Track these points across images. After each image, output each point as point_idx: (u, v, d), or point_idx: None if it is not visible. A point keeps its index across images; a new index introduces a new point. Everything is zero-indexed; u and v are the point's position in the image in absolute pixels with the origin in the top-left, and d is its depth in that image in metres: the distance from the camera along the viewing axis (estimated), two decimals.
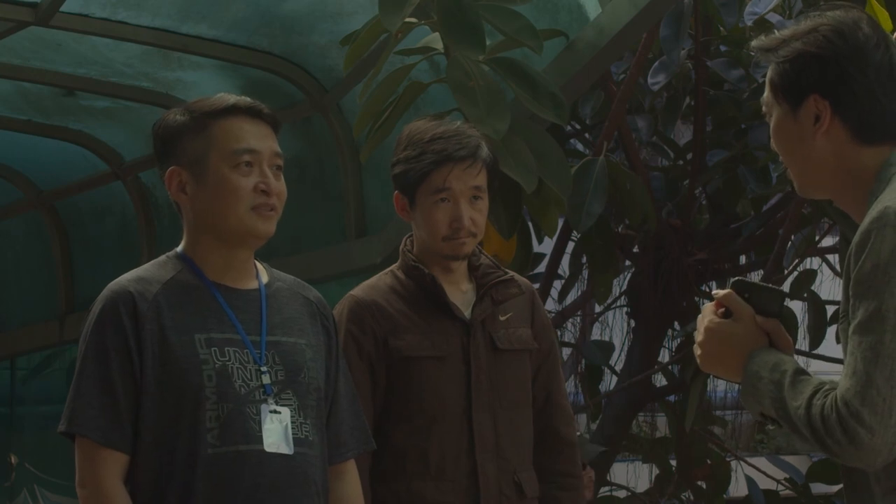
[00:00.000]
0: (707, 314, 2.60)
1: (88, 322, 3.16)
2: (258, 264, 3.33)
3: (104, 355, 3.10)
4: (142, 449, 3.10)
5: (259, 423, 3.14)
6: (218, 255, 3.23)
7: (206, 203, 3.19)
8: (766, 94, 2.63)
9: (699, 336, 2.60)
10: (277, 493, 3.14)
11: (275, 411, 3.16)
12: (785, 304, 2.63)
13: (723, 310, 2.59)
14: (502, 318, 3.83)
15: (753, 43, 2.65)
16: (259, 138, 3.21)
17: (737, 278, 2.64)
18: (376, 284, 3.84)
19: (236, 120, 3.21)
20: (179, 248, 3.27)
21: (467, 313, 3.80)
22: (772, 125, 2.63)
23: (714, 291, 2.67)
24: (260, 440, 3.13)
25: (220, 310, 3.19)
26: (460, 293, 3.83)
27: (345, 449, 3.37)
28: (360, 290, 3.83)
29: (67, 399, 3.12)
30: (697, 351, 2.60)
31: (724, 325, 2.57)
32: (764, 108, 2.65)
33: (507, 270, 3.89)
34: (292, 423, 3.18)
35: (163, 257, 3.27)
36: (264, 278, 3.31)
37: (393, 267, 3.88)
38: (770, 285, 2.60)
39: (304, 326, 3.30)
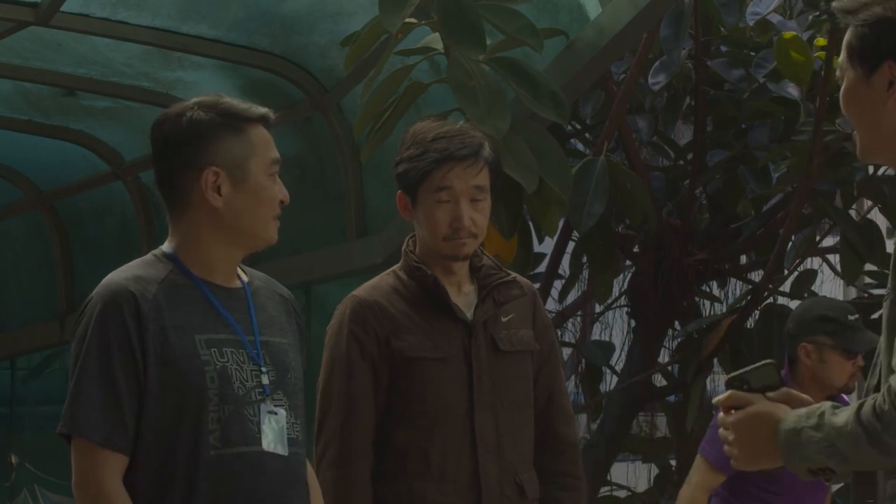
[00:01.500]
0: (724, 420, 2.58)
1: (87, 320, 3.12)
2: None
3: (107, 354, 3.08)
4: (143, 448, 3.09)
5: (257, 425, 3.14)
6: (219, 255, 3.22)
7: (241, 206, 3.18)
8: (842, 56, 2.59)
9: (730, 436, 2.56)
10: (276, 493, 3.16)
11: (272, 412, 3.17)
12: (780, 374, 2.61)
13: (733, 410, 2.58)
14: (504, 320, 3.83)
15: (834, 4, 2.62)
16: (276, 149, 3.26)
17: (728, 377, 2.63)
18: (378, 285, 3.84)
19: (264, 129, 3.24)
20: (167, 248, 3.24)
21: (469, 314, 3.79)
22: (843, 88, 2.59)
23: (715, 400, 2.65)
24: (258, 441, 3.14)
25: (216, 310, 3.18)
26: (462, 294, 3.82)
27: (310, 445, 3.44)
28: (362, 291, 3.83)
29: (68, 399, 3.09)
30: (733, 452, 2.56)
31: (746, 415, 2.54)
32: (837, 72, 2.62)
33: (509, 272, 3.89)
34: (286, 423, 3.20)
35: (149, 256, 3.24)
36: (244, 276, 3.31)
37: (395, 267, 3.87)
38: (757, 364, 2.60)
39: (284, 325, 3.32)
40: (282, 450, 3.17)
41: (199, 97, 3.26)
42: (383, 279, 3.85)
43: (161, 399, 3.09)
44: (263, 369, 3.19)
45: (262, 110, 3.24)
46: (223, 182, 3.18)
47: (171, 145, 3.22)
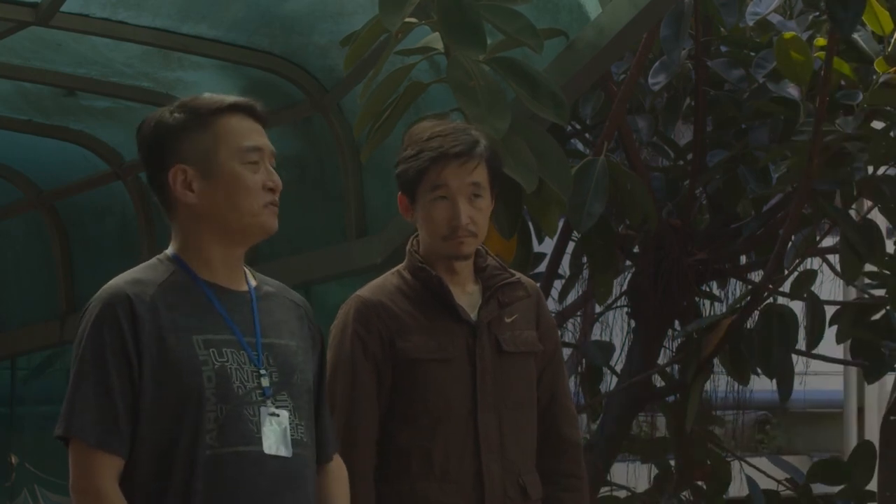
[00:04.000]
0: None
1: (84, 324, 3.15)
2: (245, 269, 3.34)
3: (102, 358, 3.10)
4: (141, 449, 3.10)
5: (257, 425, 3.15)
6: (216, 254, 3.23)
7: (217, 199, 3.20)
8: None
9: None
10: (276, 495, 3.16)
11: (273, 414, 3.18)
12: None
13: None
14: (508, 321, 3.83)
15: None
16: (260, 136, 3.26)
17: None
18: (383, 285, 3.84)
19: (237, 118, 3.24)
20: (170, 251, 3.27)
21: (473, 315, 3.79)
22: None
23: None
24: (258, 441, 3.15)
25: (216, 311, 3.20)
26: (466, 295, 3.83)
27: (331, 448, 3.42)
28: (366, 291, 3.83)
29: (64, 402, 3.11)
30: None
31: None
32: None
33: (513, 272, 3.88)
34: (290, 425, 3.20)
35: (153, 260, 3.27)
36: (252, 281, 3.32)
37: (399, 267, 3.88)
38: None
39: (294, 329, 3.32)
40: (285, 451, 3.18)
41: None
42: (387, 279, 3.85)
43: (158, 400, 3.10)
44: (263, 371, 3.20)
45: (232, 99, 3.25)
46: (193, 178, 3.20)
47: (143, 149, 3.27)
